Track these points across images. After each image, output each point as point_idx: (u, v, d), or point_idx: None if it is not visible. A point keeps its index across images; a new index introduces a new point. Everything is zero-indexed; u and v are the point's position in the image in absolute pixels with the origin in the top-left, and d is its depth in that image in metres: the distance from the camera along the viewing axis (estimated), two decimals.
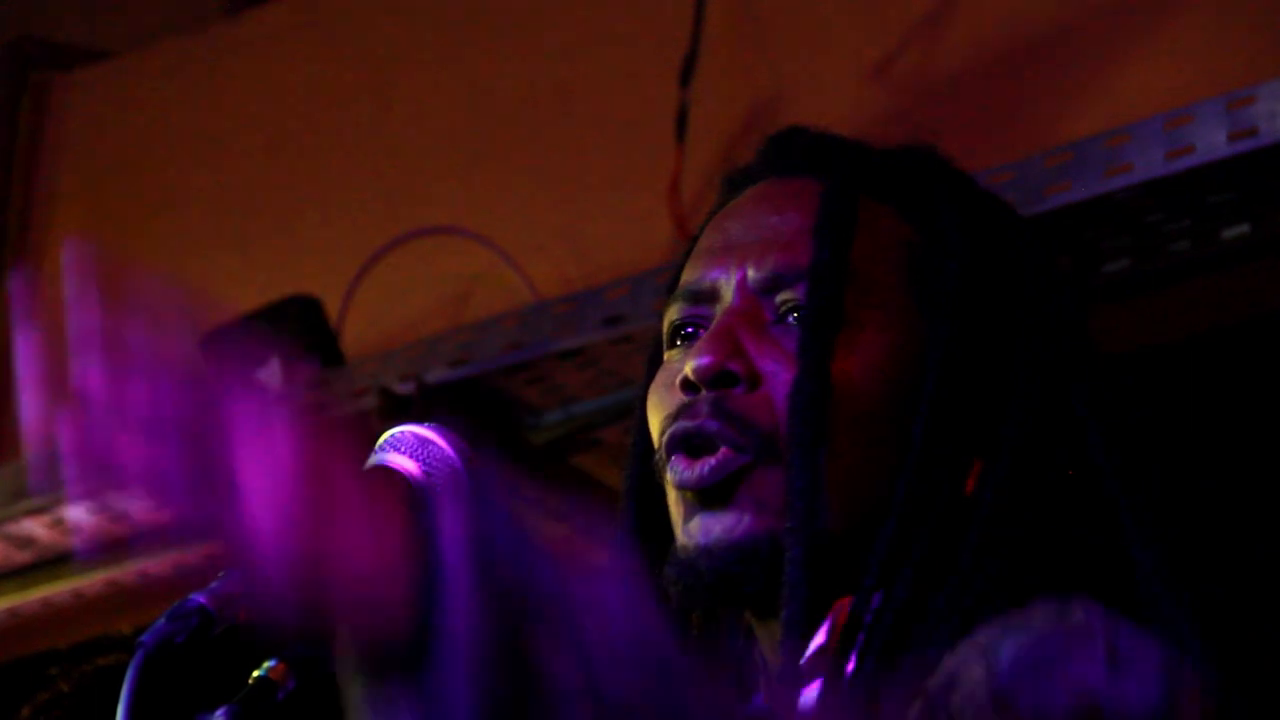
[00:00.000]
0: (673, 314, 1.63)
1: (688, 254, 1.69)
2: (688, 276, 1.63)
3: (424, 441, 1.48)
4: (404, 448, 1.47)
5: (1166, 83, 2.96)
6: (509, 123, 3.65)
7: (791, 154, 1.66)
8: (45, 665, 2.31)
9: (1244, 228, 2.68)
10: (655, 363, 1.67)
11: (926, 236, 1.60)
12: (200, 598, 1.33)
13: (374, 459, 1.48)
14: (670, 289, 1.67)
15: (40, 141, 4.23)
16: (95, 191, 4.13)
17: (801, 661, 1.51)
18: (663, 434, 1.59)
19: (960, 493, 1.53)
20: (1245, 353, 2.89)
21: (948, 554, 1.50)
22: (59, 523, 3.52)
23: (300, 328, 3.42)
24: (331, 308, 3.49)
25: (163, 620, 1.32)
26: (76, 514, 3.49)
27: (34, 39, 4.24)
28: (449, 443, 1.48)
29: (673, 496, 1.59)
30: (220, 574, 1.35)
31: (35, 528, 3.54)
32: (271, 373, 3.43)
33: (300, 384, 3.29)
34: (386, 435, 1.49)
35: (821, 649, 1.51)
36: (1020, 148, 2.89)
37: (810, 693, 1.51)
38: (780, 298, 1.58)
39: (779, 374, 1.55)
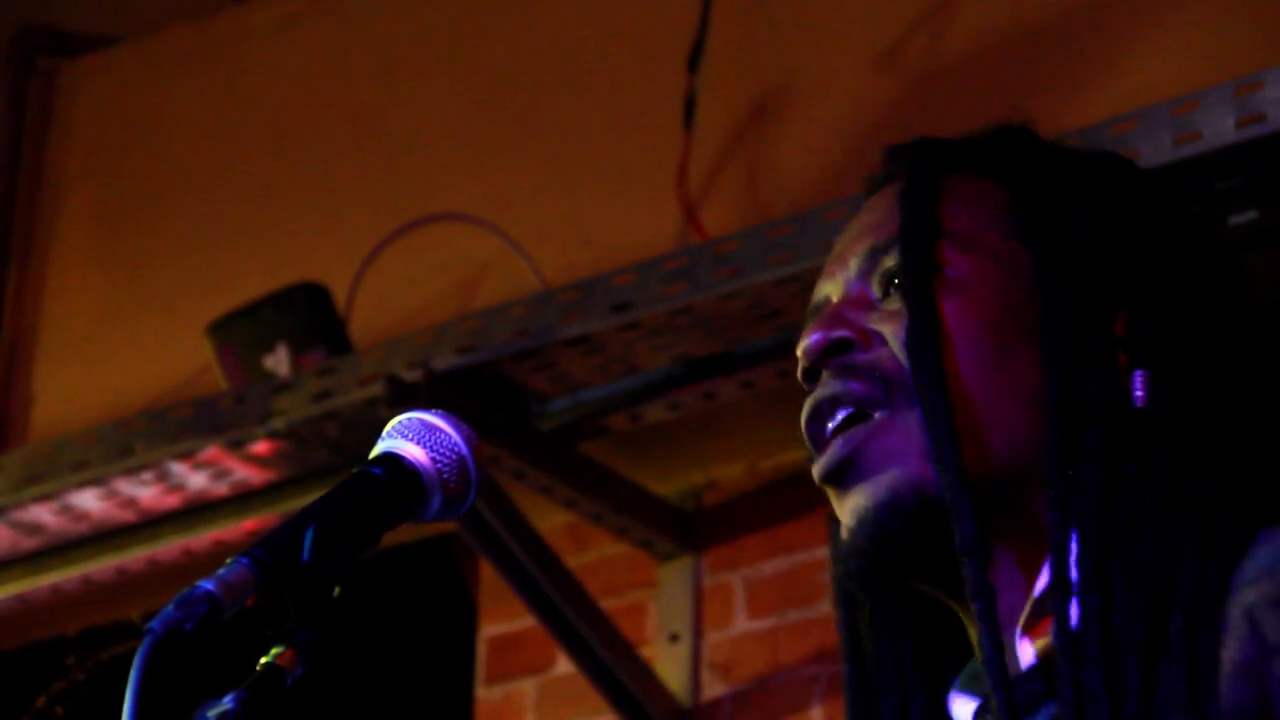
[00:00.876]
0: (802, 340, 1.62)
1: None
2: (811, 302, 1.64)
3: (430, 428, 1.49)
4: (411, 434, 1.47)
5: (1173, 69, 2.95)
6: (517, 110, 3.65)
7: (878, 174, 1.68)
8: (55, 652, 2.31)
9: (1252, 214, 2.68)
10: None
11: (1023, 187, 1.60)
12: (209, 584, 1.33)
13: (381, 445, 1.49)
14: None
15: (47, 128, 4.23)
16: (102, 178, 4.13)
17: (1024, 611, 1.49)
18: (803, 430, 1.56)
19: (1128, 406, 1.50)
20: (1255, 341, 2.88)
21: (1134, 471, 1.48)
22: (67, 509, 3.52)
23: (308, 315, 3.43)
24: (339, 294, 3.50)
25: (171, 607, 1.32)
26: (85, 500, 3.50)
27: (41, 25, 4.24)
28: (456, 430, 1.48)
29: (832, 499, 1.56)
30: (228, 561, 1.36)
31: (43, 514, 3.54)
32: (279, 359, 3.43)
33: (308, 371, 3.30)
34: (394, 422, 1.49)
35: (1038, 601, 1.49)
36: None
37: (1028, 644, 1.49)
38: (879, 271, 1.58)
39: (895, 331, 1.54)
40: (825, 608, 3.22)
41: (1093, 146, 1.71)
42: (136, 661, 1.29)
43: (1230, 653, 1.37)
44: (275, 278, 3.55)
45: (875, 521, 1.51)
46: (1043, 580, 1.49)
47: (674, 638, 3.41)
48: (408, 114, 3.78)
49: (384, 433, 1.48)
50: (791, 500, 3.36)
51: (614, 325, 3.02)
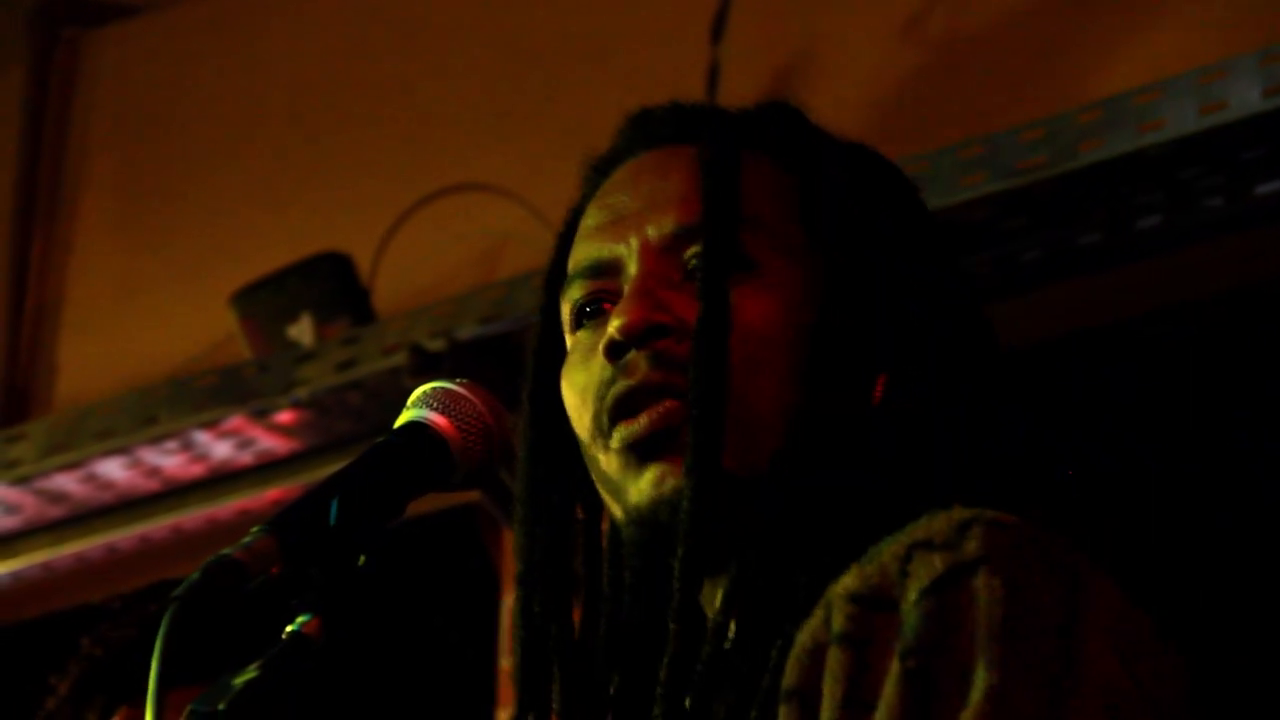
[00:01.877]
0: (574, 294, 1.59)
1: (562, 246, 1.66)
2: (582, 256, 1.60)
3: (455, 397, 1.49)
4: (436, 404, 1.47)
5: (1200, 38, 2.94)
6: (540, 80, 3.65)
7: (656, 126, 1.66)
8: (79, 620, 2.32)
9: (1278, 183, 2.67)
10: (544, 356, 1.64)
11: (808, 178, 1.59)
12: (234, 553, 1.33)
13: (405, 415, 1.49)
14: (551, 281, 1.64)
15: (71, 99, 4.23)
16: (125, 148, 4.13)
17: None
18: (600, 403, 1.54)
19: (866, 406, 1.51)
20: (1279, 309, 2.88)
21: (851, 465, 1.49)
22: (92, 478, 3.53)
23: (332, 284, 3.43)
24: (363, 264, 3.50)
25: (196, 575, 1.32)
26: (109, 469, 3.51)
27: None
28: (480, 399, 1.48)
29: (615, 464, 1.54)
30: (253, 530, 1.36)
31: (68, 483, 3.55)
32: (303, 329, 3.44)
33: (332, 340, 3.30)
34: (419, 391, 1.49)
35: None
36: (1052, 104, 2.88)
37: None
38: (688, 253, 1.55)
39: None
40: None
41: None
42: (162, 629, 1.29)
43: (805, 635, 1.36)
44: (299, 247, 3.55)
45: (676, 500, 1.49)
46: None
47: None
48: (431, 84, 3.78)
49: (409, 402, 1.48)
50: None
51: None
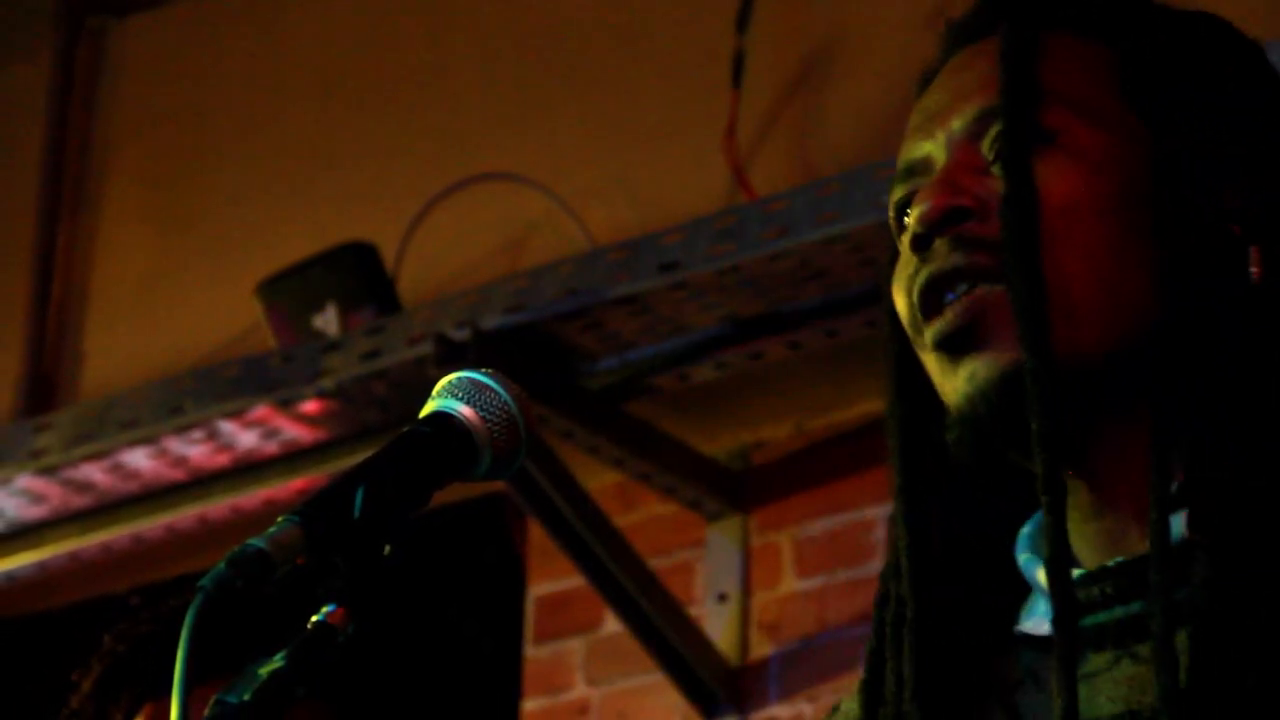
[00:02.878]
0: (894, 196, 1.55)
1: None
2: (900, 159, 1.55)
3: (480, 387, 1.48)
4: (461, 394, 1.47)
5: (1239, 18, 2.93)
6: (566, 69, 3.65)
7: (970, 21, 1.62)
8: (105, 610, 2.33)
9: None
10: (890, 266, 1.56)
11: (1133, 47, 1.53)
12: (260, 543, 1.33)
13: (431, 405, 1.48)
14: (892, 184, 1.59)
15: (96, 87, 4.24)
16: (151, 138, 4.14)
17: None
18: (910, 298, 1.49)
19: (1245, 280, 1.45)
20: None
21: (1252, 351, 1.43)
22: (117, 467, 3.54)
23: (357, 274, 3.43)
24: (388, 254, 3.50)
25: (222, 565, 1.32)
26: (135, 459, 3.51)
27: None
28: (506, 389, 1.48)
29: (935, 365, 1.49)
30: (279, 519, 1.36)
31: (94, 472, 3.56)
32: (328, 318, 3.44)
33: (357, 330, 3.30)
34: (444, 381, 1.49)
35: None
36: None
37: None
38: (989, 136, 1.50)
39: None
40: (874, 567, 3.21)
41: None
42: (188, 620, 1.29)
43: None
44: (324, 237, 3.55)
45: (993, 391, 1.44)
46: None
47: (722, 597, 3.42)
48: (457, 73, 3.78)
49: (434, 392, 1.48)
50: (839, 460, 3.36)
51: (662, 285, 3.02)
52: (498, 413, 1.47)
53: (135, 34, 4.24)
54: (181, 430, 3.42)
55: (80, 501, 3.64)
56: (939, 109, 1.55)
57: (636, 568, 3.26)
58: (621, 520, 3.38)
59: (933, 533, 1.52)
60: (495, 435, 1.46)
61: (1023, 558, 1.50)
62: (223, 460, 3.51)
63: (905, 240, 1.51)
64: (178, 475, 3.56)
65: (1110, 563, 1.44)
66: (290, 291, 3.49)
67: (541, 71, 3.68)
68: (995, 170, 1.49)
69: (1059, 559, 1.40)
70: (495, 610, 3.68)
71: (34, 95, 4.23)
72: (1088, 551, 1.47)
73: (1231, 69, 1.55)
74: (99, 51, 4.26)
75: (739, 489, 3.45)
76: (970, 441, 1.48)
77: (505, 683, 3.59)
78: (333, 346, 3.29)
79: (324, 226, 3.67)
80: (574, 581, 3.43)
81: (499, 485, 3.33)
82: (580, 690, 3.51)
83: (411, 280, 3.51)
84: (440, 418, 1.46)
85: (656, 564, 3.36)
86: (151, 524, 3.64)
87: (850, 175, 2.91)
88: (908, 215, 1.52)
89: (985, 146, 1.51)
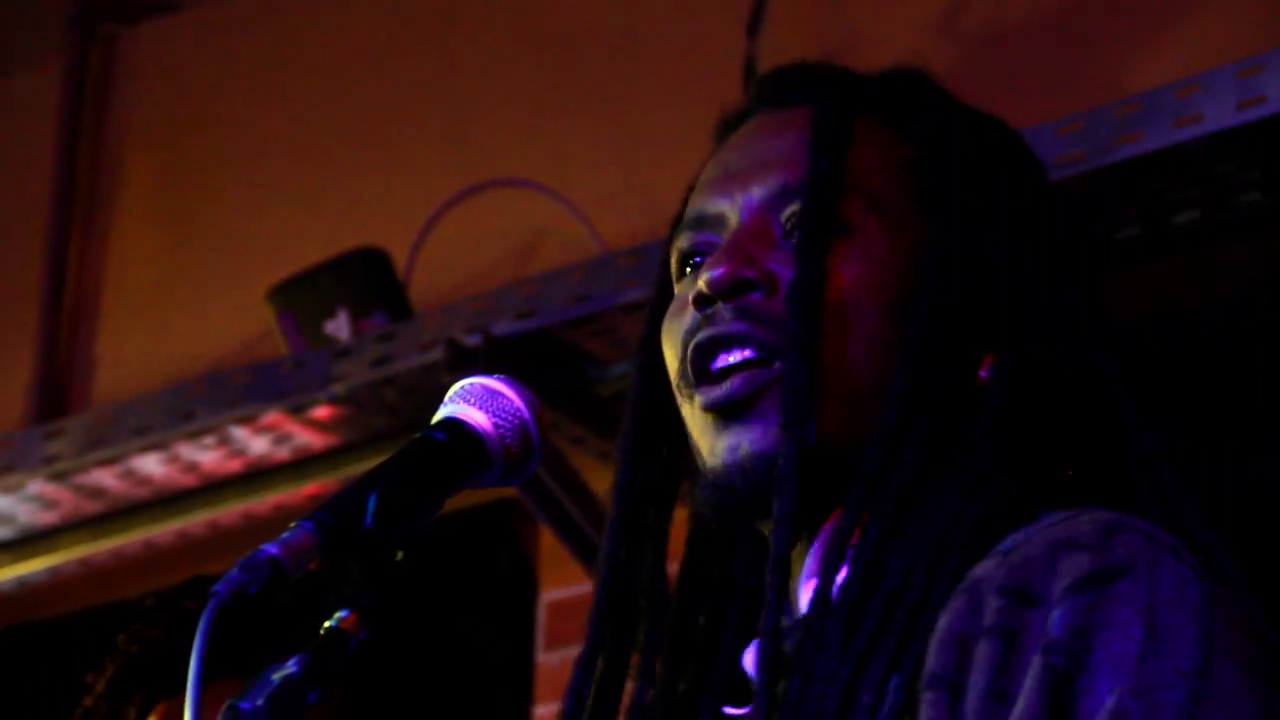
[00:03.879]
0: (680, 244, 1.63)
1: (688, 194, 1.69)
2: (692, 207, 1.64)
3: (492, 393, 1.49)
4: (474, 399, 1.48)
5: (1238, 31, 2.93)
6: (577, 75, 3.65)
7: (783, 86, 1.67)
8: (117, 616, 2.33)
9: None
10: (658, 304, 1.65)
11: (923, 148, 1.60)
12: (272, 548, 1.34)
13: (443, 411, 1.49)
14: (674, 227, 1.66)
15: (109, 94, 4.25)
16: (163, 144, 4.14)
17: (805, 572, 1.51)
18: (684, 350, 1.57)
19: (971, 384, 1.52)
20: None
21: (955, 442, 1.49)
22: (129, 473, 3.54)
23: (368, 280, 3.43)
24: (399, 259, 3.50)
25: (235, 570, 1.32)
26: (147, 464, 3.52)
27: None
28: (518, 394, 1.49)
29: (698, 422, 1.57)
30: (291, 525, 1.36)
31: (106, 478, 3.56)
32: (339, 324, 3.44)
33: (368, 336, 3.31)
34: (456, 387, 1.49)
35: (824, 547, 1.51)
36: (1089, 98, 2.87)
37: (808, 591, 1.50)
38: (786, 212, 1.57)
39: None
40: None
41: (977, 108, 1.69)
42: (201, 624, 1.29)
43: (947, 618, 1.37)
44: (335, 243, 3.55)
45: (751, 467, 1.52)
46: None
47: None
48: (467, 79, 3.78)
49: (446, 397, 1.49)
50: None
51: None
52: (510, 418, 1.47)
53: (147, 42, 4.24)
54: (193, 436, 3.42)
55: (92, 507, 3.65)
56: (740, 170, 1.62)
57: None
58: None
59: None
60: (507, 441, 1.47)
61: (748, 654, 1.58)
62: (234, 466, 3.51)
63: (687, 293, 1.57)
64: (189, 481, 3.56)
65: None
66: (301, 297, 3.49)
67: (552, 77, 3.68)
68: (789, 246, 1.55)
69: (772, 625, 1.48)
70: (507, 616, 3.67)
71: (46, 102, 4.23)
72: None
73: (1017, 186, 1.61)
74: (111, 59, 4.27)
75: None
76: (716, 504, 1.56)
77: (517, 689, 3.59)
78: (344, 352, 3.29)
79: (335, 232, 3.67)
80: (585, 587, 3.43)
81: (510, 491, 3.33)
82: None
83: (423, 286, 3.51)
84: (452, 423, 1.47)
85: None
86: (163, 530, 3.65)
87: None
88: (690, 266, 1.59)
89: (783, 218, 1.57)
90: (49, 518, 3.68)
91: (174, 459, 3.50)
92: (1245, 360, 2.88)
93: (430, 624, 3.53)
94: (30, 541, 3.72)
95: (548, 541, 3.56)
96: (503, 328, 3.12)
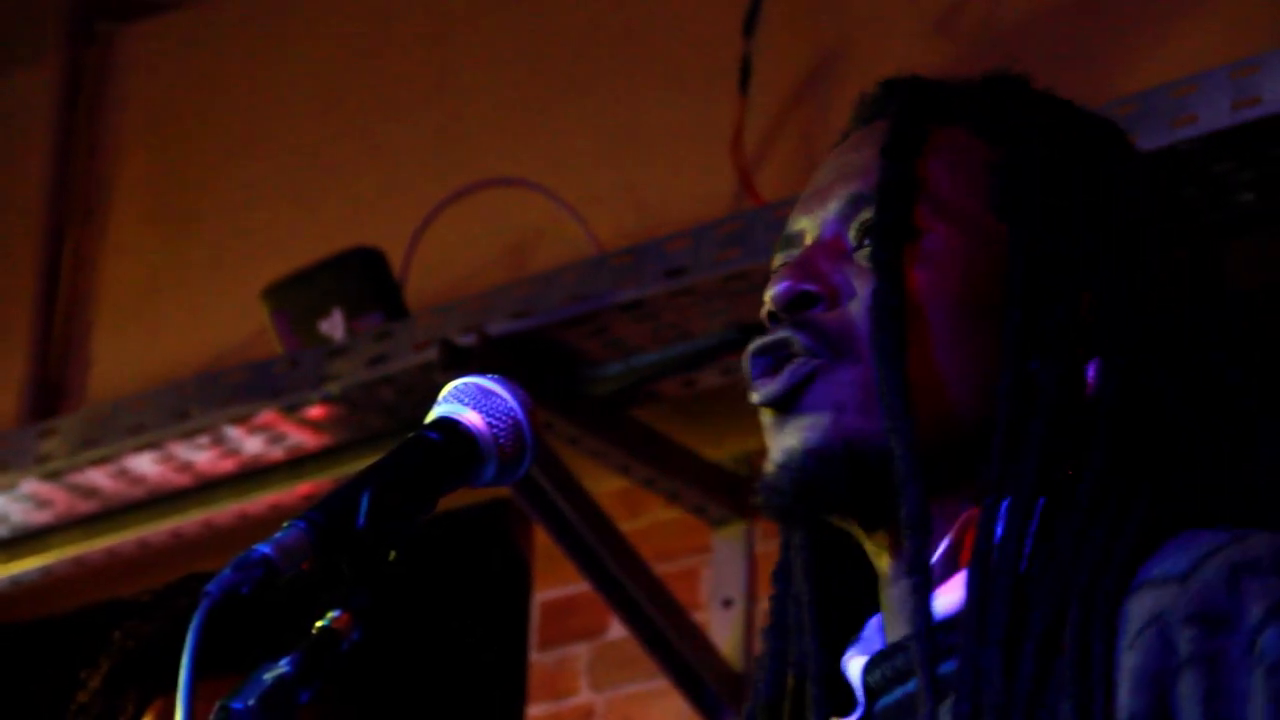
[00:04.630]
0: (774, 262, 1.64)
1: None
2: (786, 227, 1.64)
3: (486, 393, 1.48)
4: (467, 399, 1.47)
5: (1233, 32, 2.93)
6: (572, 74, 3.65)
7: (874, 102, 1.67)
8: (110, 615, 2.33)
9: None
10: None
11: (1008, 153, 1.59)
12: (265, 548, 1.33)
13: (437, 410, 1.49)
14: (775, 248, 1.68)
15: (103, 93, 4.24)
16: (158, 143, 4.14)
17: (933, 561, 1.50)
18: (745, 363, 1.58)
19: (1080, 392, 1.52)
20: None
21: (1073, 456, 1.49)
22: (123, 472, 3.54)
23: (363, 279, 3.43)
24: (394, 259, 3.50)
25: (228, 570, 1.32)
26: (141, 464, 3.52)
27: None
28: (512, 394, 1.48)
29: (764, 423, 1.58)
30: (284, 525, 1.36)
31: (100, 477, 3.56)
32: (334, 324, 3.44)
33: (363, 335, 3.31)
34: (450, 387, 1.49)
35: (949, 551, 1.50)
36: (1084, 99, 2.87)
37: (949, 592, 1.49)
38: (856, 222, 1.57)
39: (861, 290, 1.55)
40: None
41: (1092, 110, 1.69)
42: (193, 624, 1.29)
43: (1135, 657, 1.38)
44: (330, 242, 3.55)
45: (801, 466, 1.53)
46: (944, 543, 1.52)
47: (727, 603, 3.41)
48: (463, 78, 3.78)
49: (440, 397, 1.48)
50: None
51: (667, 290, 3.02)
52: (503, 418, 1.47)
53: (142, 40, 4.24)
54: (187, 435, 3.42)
55: (86, 507, 3.64)
56: (823, 186, 1.62)
57: (641, 573, 3.26)
58: (626, 526, 3.38)
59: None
60: (501, 440, 1.47)
61: (848, 658, 1.57)
62: (228, 465, 3.51)
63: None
64: (183, 480, 3.56)
65: (890, 643, 1.52)
66: (296, 297, 3.49)
67: (547, 77, 3.68)
68: (857, 256, 1.56)
69: (924, 627, 1.47)
70: (500, 616, 3.68)
71: (41, 101, 4.23)
72: (890, 618, 1.55)
73: (1106, 185, 1.59)
74: (106, 57, 4.26)
75: (744, 494, 3.45)
76: (770, 508, 1.56)
77: (510, 688, 3.59)
78: (339, 352, 3.29)
79: (330, 232, 3.67)
80: (579, 587, 3.43)
81: (504, 491, 3.33)
82: (585, 696, 3.51)
83: (418, 286, 3.51)
84: (446, 423, 1.46)
85: (661, 569, 3.36)
86: (157, 529, 3.64)
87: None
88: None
89: (852, 232, 1.57)
90: (42, 517, 3.67)
91: (168, 458, 3.50)
92: (1240, 360, 2.88)
93: (424, 624, 3.53)
94: (23, 541, 3.72)
95: (541, 541, 3.56)
96: (498, 327, 3.12)
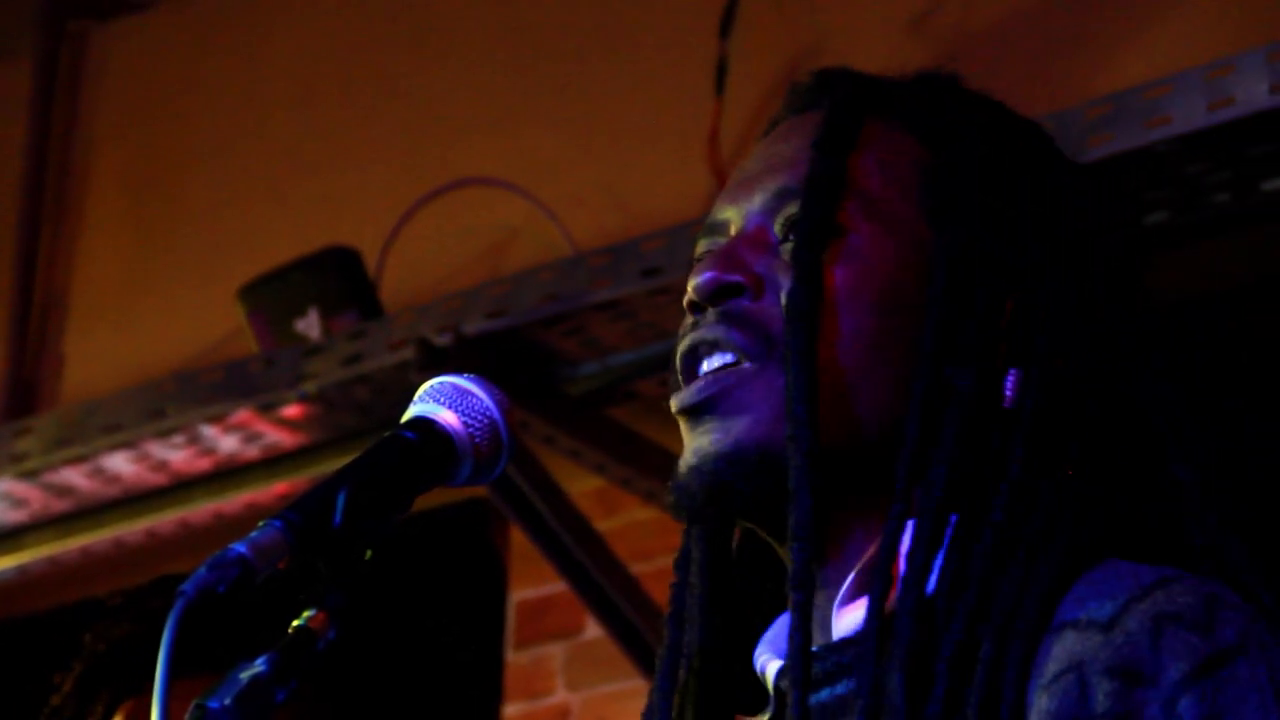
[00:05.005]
0: (696, 250, 1.63)
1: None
2: (710, 214, 1.63)
3: (462, 392, 1.48)
4: (443, 398, 1.47)
5: (1207, 33, 2.94)
6: (548, 74, 3.65)
7: (805, 90, 1.66)
8: (85, 614, 2.33)
9: None
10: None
11: (938, 153, 1.58)
12: (241, 547, 1.33)
13: (413, 409, 1.49)
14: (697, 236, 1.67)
15: (78, 91, 4.24)
16: (132, 142, 4.13)
17: (846, 584, 1.49)
18: (674, 356, 1.58)
19: (997, 403, 1.50)
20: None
21: (986, 469, 1.47)
22: (98, 471, 3.54)
23: (338, 279, 3.43)
24: (370, 258, 3.50)
25: (204, 569, 1.32)
26: (116, 463, 3.51)
27: None
28: (488, 394, 1.48)
29: (683, 431, 1.57)
30: (260, 524, 1.36)
31: (75, 476, 3.56)
32: (310, 323, 3.44)
33: (339, 334, 3.30)
34: (426, 386, 1.49)
35: (863, 569, 1.49)
36: (1060, 100, 2.88)
37: (849, 612, 1.48)
38: (782, 215, 1.56)
39: (786, 283, 1.53)
40: None
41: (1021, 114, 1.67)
42: (169, 623, 1.29)
43: (1049, 701, 1.35)
44: (306, 241, 3.55)
45: (712, 469, 1.52)
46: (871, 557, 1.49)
47: None
48: (438, 78, 3.78)
49: (416, 396, 1.48)
50: None
51: (644, 290, 3.02)
52: (479, 417, 1.47)
53: (117, 39, 4.23)
54: (163, 434, 3.42)
55: (61, 505, 3.64)
56: (751, 176, 1.61)
57: (617, 573, 3.26)
58: (603, 525, 3.38)
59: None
60: (477, 440, 1.47)
61: (762, 658, 1.56)
62: (204, 464, 3.50)
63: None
64: (159, 479, 3.56)
65: (816, 647, 1.49)
66: (272, 296, 3.48)
67: (524, 77, 3.68)
68: (782, 250, 1.55)
69: (800, 642, 1.46)
70: (476, 615, 3.67)
71: (15, 99, 4.22)
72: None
73: (1036, 193, 1.57)
74: (80, 56, 4.26)
75: None
76: (677, 508, 1.56)
77: (486, 687, 3.59)
78: (314, 351, 3.28)
79: (306, 231, 3.66)
80: (555, 586, 3.43)
81: (480, 490, 3.33)
82: (561, 695, 3.51)
83: (393, 285, 3.51)
84: (422, 422, 1.46)
85: (637, 569, 3.36)
86: (132, 528, 3.64)
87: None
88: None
89: (777, 225, 1.56)
90: (17, 516, 3.67)
91: (143, 457, 3.50)
92: (1216, 361, 2.89)
93: (400, 623, 3.52)
94: None
95: (517, 541, 3.56)
96: (473, 327, 3.11)
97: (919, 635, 1.41)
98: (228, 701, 1.30)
